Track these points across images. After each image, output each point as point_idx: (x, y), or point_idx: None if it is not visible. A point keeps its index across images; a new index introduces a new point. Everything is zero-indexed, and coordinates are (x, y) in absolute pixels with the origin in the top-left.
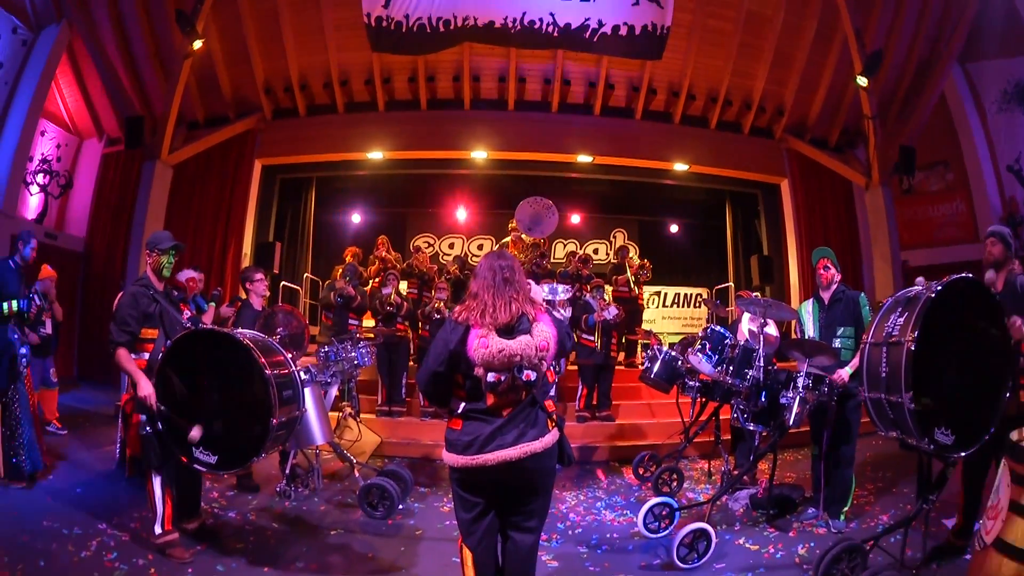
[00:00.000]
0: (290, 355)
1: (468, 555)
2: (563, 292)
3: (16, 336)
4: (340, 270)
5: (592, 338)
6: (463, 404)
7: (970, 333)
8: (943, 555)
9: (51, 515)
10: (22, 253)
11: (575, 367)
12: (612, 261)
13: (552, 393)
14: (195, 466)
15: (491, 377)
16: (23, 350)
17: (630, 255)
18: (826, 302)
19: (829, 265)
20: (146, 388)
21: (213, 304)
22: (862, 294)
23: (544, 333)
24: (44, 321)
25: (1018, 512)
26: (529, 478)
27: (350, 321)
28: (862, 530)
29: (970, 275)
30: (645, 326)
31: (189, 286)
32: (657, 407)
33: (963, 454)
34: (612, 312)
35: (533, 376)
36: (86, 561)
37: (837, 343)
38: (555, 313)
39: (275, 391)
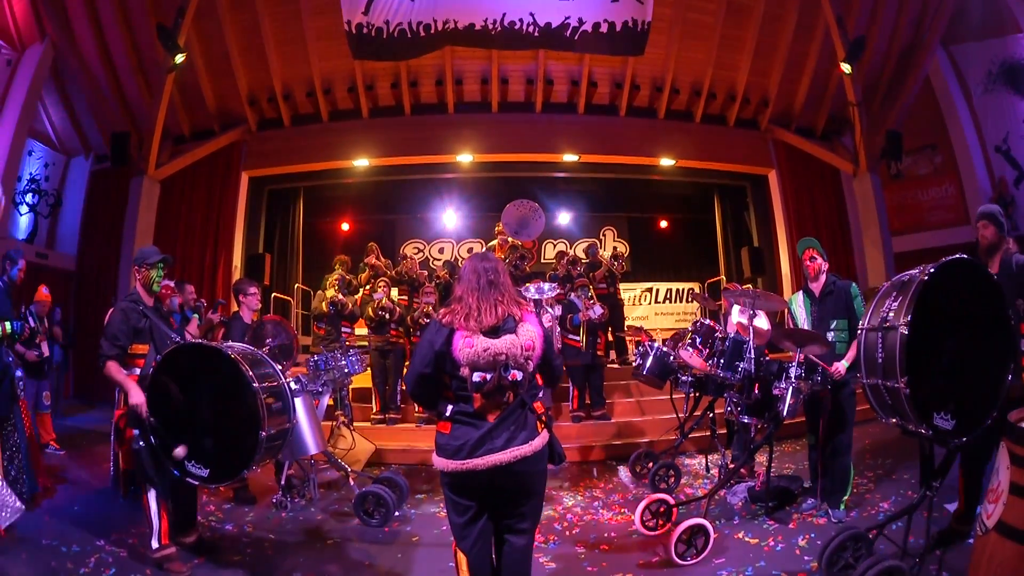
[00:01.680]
0: (280, 366)
1: (463, 559)
2: (549, 290)
3: (11, 358)
4: (330, 279)
5: (577, 338)
6: (451, 407)
7: (970, 316)
8: (946, 541)
9: (49, 533)
10: (9, 274)
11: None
12: (585, 260)
13: (541, 395)
14: (187, 479)
15: (477, 377)
16: (19, 372)
17: (601, 251)
18: (816, 295)
19: (815, 255)
20: (137, 396)
21: (196, 316)
22: (853, 284)
23: (530, 332)
24: (39, 344)
25: (1019, 494)
26: (520, 481)
27: (343, 329)
28: (863, 518)
29: (966, 256)
30: (636, 322)
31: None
32: (652, 404)
33: (964, 440)
34: (597, 311)
35: (519, 376)
36: None
37: (831, 336)
38: (544, 317)
39: (263, 403)
